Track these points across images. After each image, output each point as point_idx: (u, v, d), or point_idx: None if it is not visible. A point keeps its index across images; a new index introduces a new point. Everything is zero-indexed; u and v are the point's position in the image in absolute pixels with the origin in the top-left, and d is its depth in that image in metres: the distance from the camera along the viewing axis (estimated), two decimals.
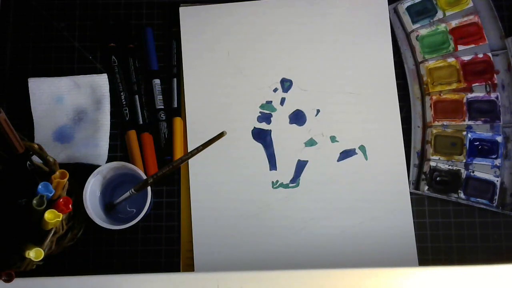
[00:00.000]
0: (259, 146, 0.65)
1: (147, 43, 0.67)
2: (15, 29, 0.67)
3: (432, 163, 0.63)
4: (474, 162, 0.63)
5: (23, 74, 0.65)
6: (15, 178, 0.53)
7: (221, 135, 0.51)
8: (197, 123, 0.65)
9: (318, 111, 0.66)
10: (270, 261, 0.62)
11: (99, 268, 0.61)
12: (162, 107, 0.66)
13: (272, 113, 0.66)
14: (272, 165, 0.64)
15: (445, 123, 0.64)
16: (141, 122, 0.65)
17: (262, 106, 0.66)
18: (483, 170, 0.63)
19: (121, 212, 0.62)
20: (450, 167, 0.63)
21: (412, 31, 0.66)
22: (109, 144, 0.64)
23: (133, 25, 0.68)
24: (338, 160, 0.64)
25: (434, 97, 0.65)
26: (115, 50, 0.67)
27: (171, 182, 0.64)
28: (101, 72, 0.66)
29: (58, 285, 0.57)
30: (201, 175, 0.64)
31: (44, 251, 0.49)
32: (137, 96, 0.66)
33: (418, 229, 0.63)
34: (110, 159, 0.64)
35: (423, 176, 0.64)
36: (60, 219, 0.49)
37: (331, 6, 0.68)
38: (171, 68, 0.67)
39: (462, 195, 0.63)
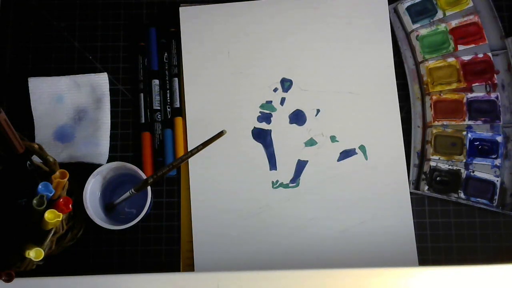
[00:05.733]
0: (259, 146, 0.65)
1: (150, 43, 0.67)
2: (15, 29, 0.67)
3: (432, 163, 0.63)
4: (474, 162, 0.63)
5: (23, 74, 0.65)
6: (15, 178, 0.53)
7: (221, 134, 0.51)
8: (197, 123, 0.65)
9: (318, 111, 0.66)
10: (270, 261, 0.62)
11: (99, 268, 0.61)
12: (161, 107, 0.66)
13: (272, 113, 0.66)
14: (272, 165, 0.64)
15: (445, 123, 0.64)
16: (143, 121, 0.65)
17: (262, 106, 0.66)
18: (483, 170, 0.63)
19: (121, 212, 0.62)
20: (450, 167, 0.63)
21: (412, 31, 0.66)
22: (110, 144, 0.64)
23: (133, 25, 0.68)
24: (338, 160, 0.64)
25: (434, 97, 0.65)
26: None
27: (171, 182, 0.64)
28: (101, 72, 0.66)
29: (58, 285, 0.57)
30: (201, 175, 0.64)
31: (44, 251, 0.49)
32: (142, 95, 0.65)
33: (418, 229, 0.63)
34: (111, 158, 0.64)
35: (423, 176, 0.63)
36: (60, 219, 0.49)
37: (331, 6, 0.68)
38: (171, 68, 0.67)
39: (462, 195, 0.63)
